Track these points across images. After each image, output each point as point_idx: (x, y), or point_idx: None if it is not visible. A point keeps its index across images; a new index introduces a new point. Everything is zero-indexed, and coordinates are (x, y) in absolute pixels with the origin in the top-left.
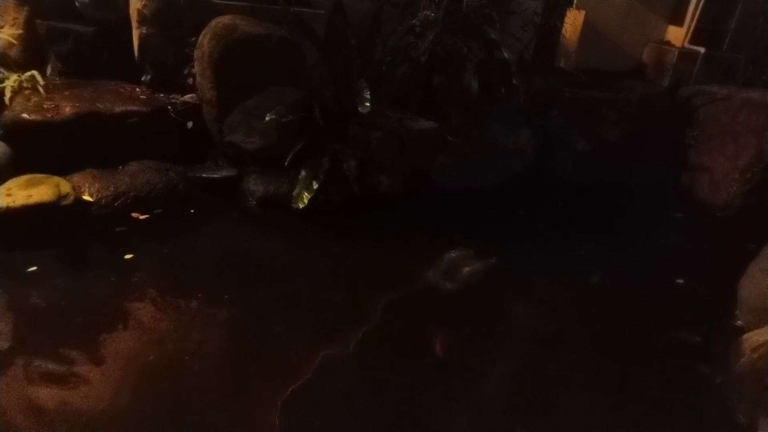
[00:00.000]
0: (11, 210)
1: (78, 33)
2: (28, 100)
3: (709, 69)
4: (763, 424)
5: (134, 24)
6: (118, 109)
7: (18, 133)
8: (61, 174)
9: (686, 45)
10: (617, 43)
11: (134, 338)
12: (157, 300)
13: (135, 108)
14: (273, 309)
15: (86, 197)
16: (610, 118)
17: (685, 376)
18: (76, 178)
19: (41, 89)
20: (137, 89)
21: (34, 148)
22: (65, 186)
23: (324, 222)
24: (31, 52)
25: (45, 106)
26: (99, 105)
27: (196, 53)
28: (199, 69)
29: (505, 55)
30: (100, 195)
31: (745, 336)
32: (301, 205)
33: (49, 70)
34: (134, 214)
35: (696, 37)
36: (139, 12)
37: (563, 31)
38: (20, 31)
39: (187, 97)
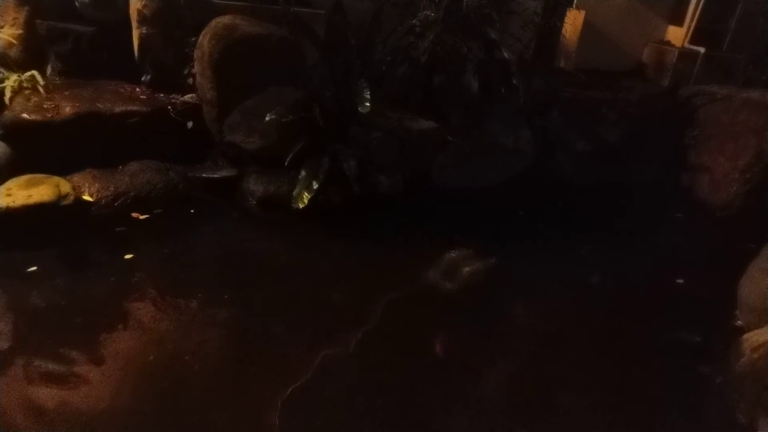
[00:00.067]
0: (11, 210)
1: (78, 33)
2: (28, 100)
3: (709, 69)
4: (763, 424)
5: (134, 24)
6: (118, 109)
7: (18, 133)
8: (61, 174)
9: (686, 45)
10: (617, 43)
11: (134, 338)
12: (157, 300)
13: (135, 108)
14: (273, 309)
15: (86, 197)
16: (610, 118)
17: (685, 376)
18: (76, 178)
19: (41, 89)
20: (137, 89)
21: (34, 148)
22: (65, 186)
23: (324, 222)
24: (31, 52)
25: (45, 106)
26: (99, 105)
27: (196, 53)
28: (199, 69)
29: (505, 55)
30: (100, 195)
31: (745, 336)
32: (301, 205)
33: (49, 70)
34: (134, 214)
35: (696, 37)
36: (139, 12)
37: (563, 31)
38: (20, 31)
39: (187, 97)
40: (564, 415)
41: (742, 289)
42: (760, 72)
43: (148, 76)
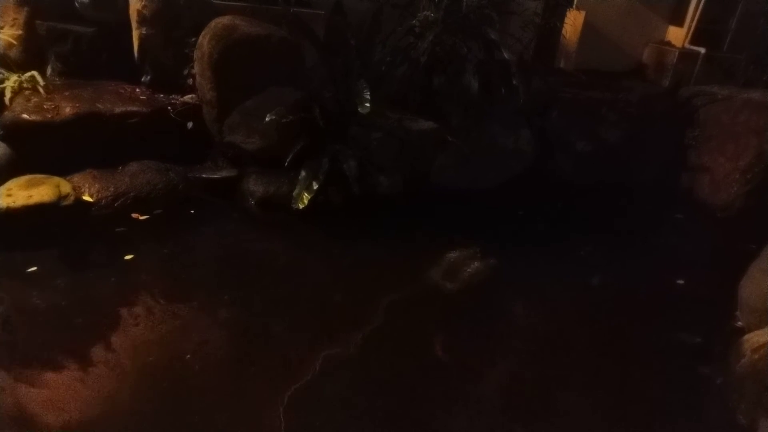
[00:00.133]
0: (11, 210)
1: (78, 34)
2: (28, 100)
3: (709, 69)
4: (763, 424)
5: (134, 25)
6: (118, 109)
7: (18, 133)
8: (62, 174)
9: (686, 45)
10: (617, 44)
11: (134, 338)
12: (157, 300)
13: (135, 108)
14: (273, 309)
15: (86, 198)
16: (610, 119)
17: (686, 377)
18: (77, 178)
19: (41, 90)
20: (137, 90)
21: (34, 149)
22: (65, 186)
23: (324, 222)
24: (31, 53)
25: (45, 106)
26: (99, 105)
27: (196, 54)
28: (198, 69)
29: (505, 55)
30: (100, 195)
31: (746, 337)
32: (301, 206)
33: (49, 71)
34: (134, 215)
35: (696, 38)
36: (139, 12)
37: (563, 31)
38: (20, 32)
39: (187, 98)
40: (564, 415)
41: (742, 290)
42: (761, 72)
43: (148, 77)
